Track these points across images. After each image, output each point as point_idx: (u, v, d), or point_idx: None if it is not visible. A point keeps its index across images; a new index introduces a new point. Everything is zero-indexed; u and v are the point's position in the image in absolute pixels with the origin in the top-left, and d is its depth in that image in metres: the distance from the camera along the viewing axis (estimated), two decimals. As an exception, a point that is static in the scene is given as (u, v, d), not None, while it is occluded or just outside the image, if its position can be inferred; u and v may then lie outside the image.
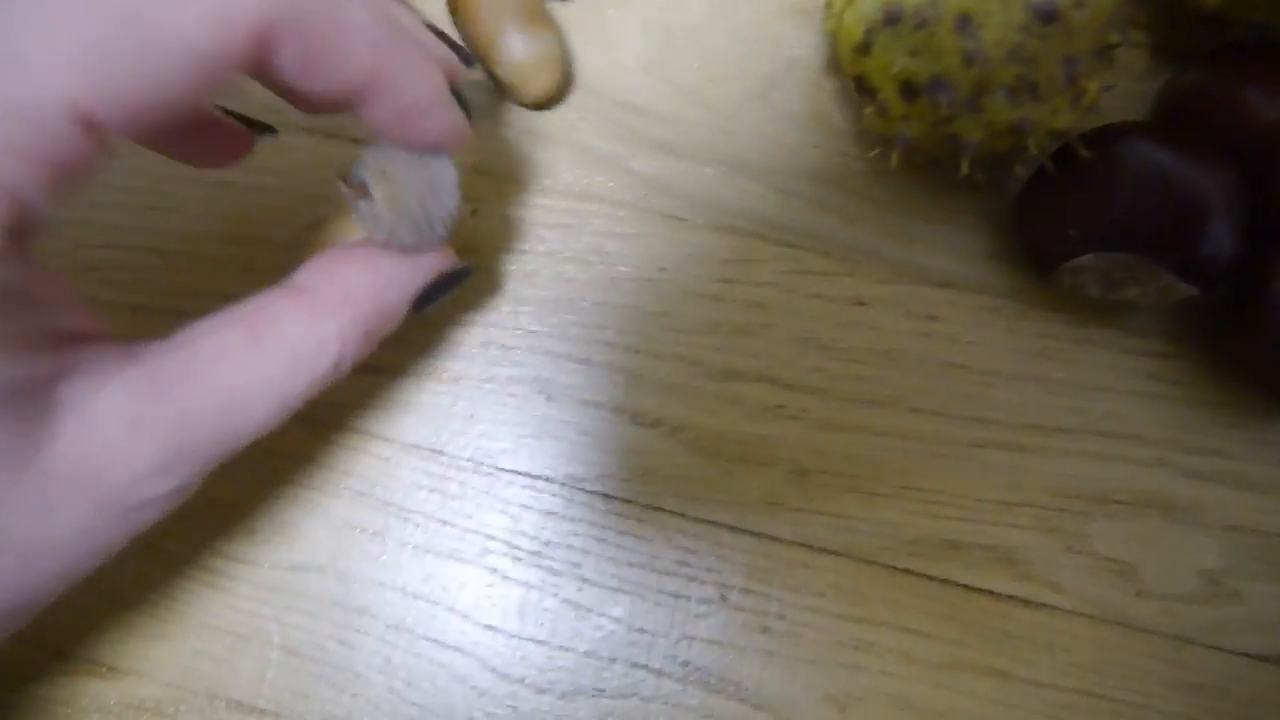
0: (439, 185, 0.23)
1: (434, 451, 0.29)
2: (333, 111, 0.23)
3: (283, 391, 0.22)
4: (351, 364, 0.24)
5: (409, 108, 0.22)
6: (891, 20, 0.24)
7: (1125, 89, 0.30)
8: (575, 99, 0.31)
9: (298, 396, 0.23)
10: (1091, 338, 0.29)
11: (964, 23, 0.23)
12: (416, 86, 0.22)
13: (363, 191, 0.23)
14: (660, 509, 0.28)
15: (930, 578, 0.28)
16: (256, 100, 0.25)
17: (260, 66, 0.20)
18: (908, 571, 0.28)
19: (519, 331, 0.29)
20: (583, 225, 0.30)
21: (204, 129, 0.25)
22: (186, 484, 0.22)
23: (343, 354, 0.23)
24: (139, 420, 0.20)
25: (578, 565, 0.28)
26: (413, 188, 0.23)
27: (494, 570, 0.28)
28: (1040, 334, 0.29)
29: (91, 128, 0.17)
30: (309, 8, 0.20)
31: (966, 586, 0.28)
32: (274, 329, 0.22)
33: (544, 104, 0.31)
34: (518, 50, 0.29)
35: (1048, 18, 0.23)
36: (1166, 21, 0.27)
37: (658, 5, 0.32)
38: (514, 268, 0.30)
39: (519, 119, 0.31)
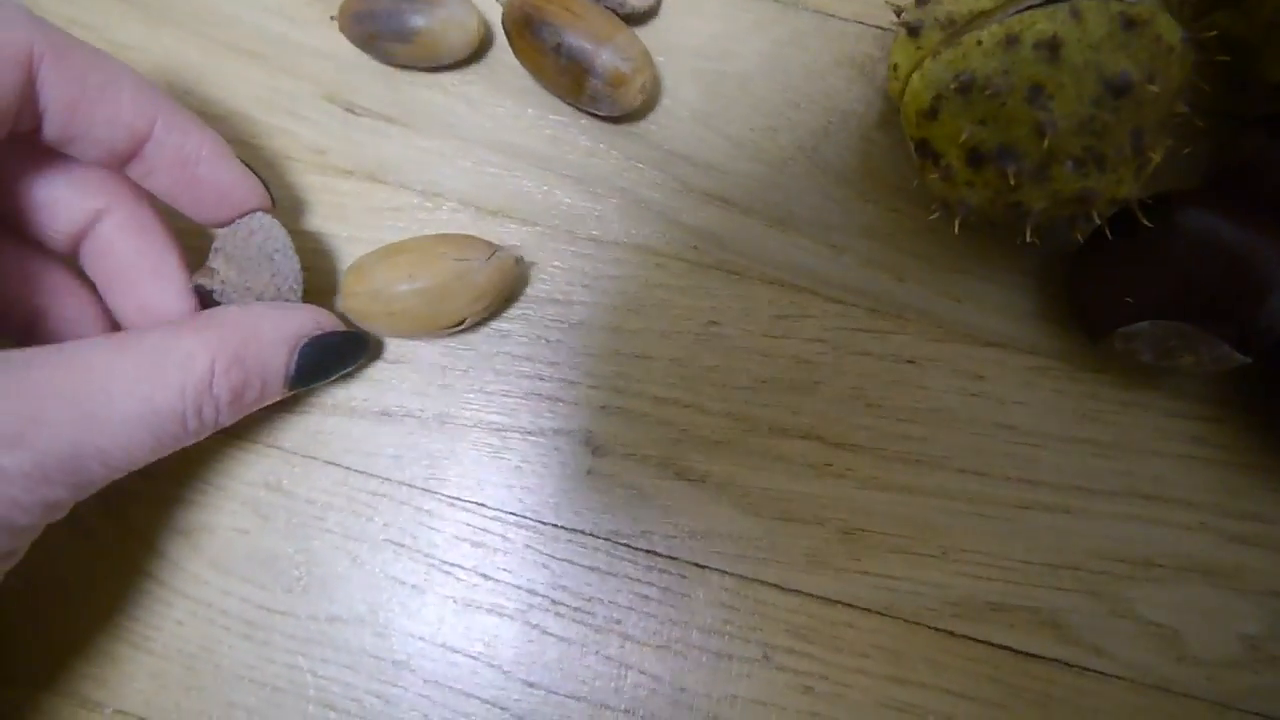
0: (269, 243, 0.26)
1: (476, 504, 0.28)
2: (116, 165, 0.24)
3: (149, 394, 0.22)
4: (232, 390, 0.24)
5: (189, 156, 0.24)
6: (963, 88, 0.24)
7: (1178, 150, 0.29)
8: (626, 147, 0.31)
9: (170, 407, 0.23)
10: (1138, 401, 0.29)
11: (1036, 93, 0.23)
12: (192, 136, 0.24)
13: (209, 272, 0.26)
14: (704, 566, 0.28)
15: (974, 639, 0.28)
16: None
17: (31, 101, 0.22)
18: (951, 633, 0.28)
19: (565, 383, 0.29)
20: (632, 276, 0.30)
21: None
22: (54, 501, 0.21)
23: (214, 370, 0.23)
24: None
25: (619, 622, 0.28)
26: (248, 249, 0.26)
27: (535, 626, 0.28)
28: (1087, 396, 0.29)
29: None
30: (71, 41, 0.22)
31: (1010, 649, 0.28)
32: (138, 338, 0.23)
33: (640, 110, 0.31)
34: (613, 58, 0.29)
35: (1121, 91, 0.23)
36: (1227, 90, 0.27)
37: (709, 54, 0.32)
38: (562, 319, 0.30)
39: (569, 167, 0.31)
